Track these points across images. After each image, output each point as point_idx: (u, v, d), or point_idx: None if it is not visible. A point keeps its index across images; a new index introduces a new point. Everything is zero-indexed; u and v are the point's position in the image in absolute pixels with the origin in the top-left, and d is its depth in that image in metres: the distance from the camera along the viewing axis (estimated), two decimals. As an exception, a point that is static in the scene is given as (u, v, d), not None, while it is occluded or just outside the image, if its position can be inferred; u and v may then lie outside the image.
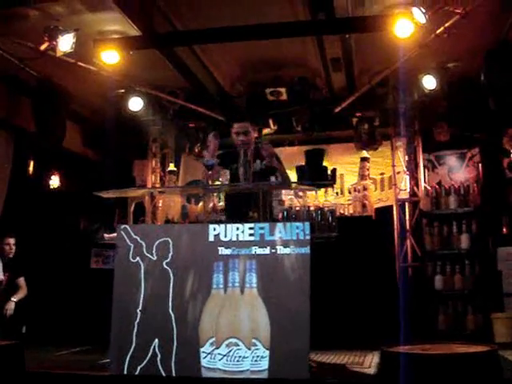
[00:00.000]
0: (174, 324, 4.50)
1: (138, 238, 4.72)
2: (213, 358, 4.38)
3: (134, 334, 4.55)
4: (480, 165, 7.39)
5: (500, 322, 6.27)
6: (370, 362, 5.22)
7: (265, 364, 4.31)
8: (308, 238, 4.46)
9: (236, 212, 5.50)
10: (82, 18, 6.16)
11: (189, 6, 6.17)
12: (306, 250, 4.44)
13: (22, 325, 6.56)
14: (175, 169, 8.18)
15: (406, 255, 7.00)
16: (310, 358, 4.50)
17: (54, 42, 6.12)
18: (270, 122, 8.26)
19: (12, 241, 6.92)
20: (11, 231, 6.96)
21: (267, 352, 4.31)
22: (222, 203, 7.42)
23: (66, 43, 6.13)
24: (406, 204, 7.29)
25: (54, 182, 8.60)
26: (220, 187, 5.46)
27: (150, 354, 4.48)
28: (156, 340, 4.49)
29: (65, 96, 7.55)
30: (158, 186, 8.24)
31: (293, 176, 7.61)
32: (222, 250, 4.54)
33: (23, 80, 7.31)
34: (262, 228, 4.55)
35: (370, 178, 7.98)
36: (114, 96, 8.00)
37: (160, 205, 8.11)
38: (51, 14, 6.06)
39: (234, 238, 4.56)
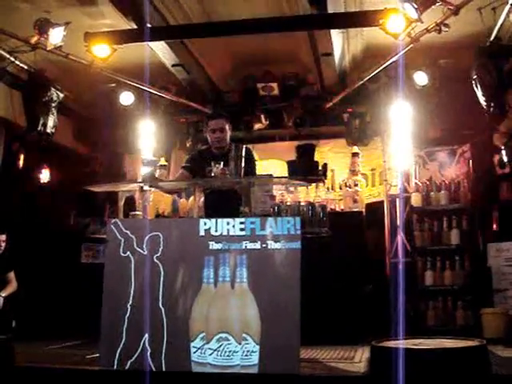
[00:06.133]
0: (164, 318, 4.48)
1: (129, 233, 4.70)
2: (203, 353, 4.37)
3: (124, 328, 4.53)
4: (471, 161, 7.39)
5: (489, 318, 6.29)
6: (360, 357, 5.22)
7: (255, 359, 4.30)
8: (299, 232, 4.45)
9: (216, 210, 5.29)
10: (73, 11, 6.15)
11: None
12: (297, 245, 4.43)
13: (12, 319, 6.52)
14: (166, 163, 8.15)
15: (396, 251, 7.01)
16: (300, 353, 4.49)
17: (45, 36, 6.11)
18: (262, 117, 8.26)
19: (3, 237, 6.86)
20: (1, 227, 6.89)
21: (257, 347, 4.31)
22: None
23: (56, 36, 6.12)
24: (397, 200, 7.28)
25: (45, 176, 8.56)
26: (212, 182, 5.42)
27: (139, 349, 4.46)
28: (146, 335, 4.47)
29: (56, 90, 7.51)
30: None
31: (284, 171, 7.63)
32: (213, 245, 4.53)
33: (14, 73, 7.27)
34: (252, 223, 4.54)
35: (360, 173, 7.98)
36: (105, 90, 7.98)
37: (151, 199, 8.07)
38: (42, 7, 6.05)
39: (225, 233, 4.54)
